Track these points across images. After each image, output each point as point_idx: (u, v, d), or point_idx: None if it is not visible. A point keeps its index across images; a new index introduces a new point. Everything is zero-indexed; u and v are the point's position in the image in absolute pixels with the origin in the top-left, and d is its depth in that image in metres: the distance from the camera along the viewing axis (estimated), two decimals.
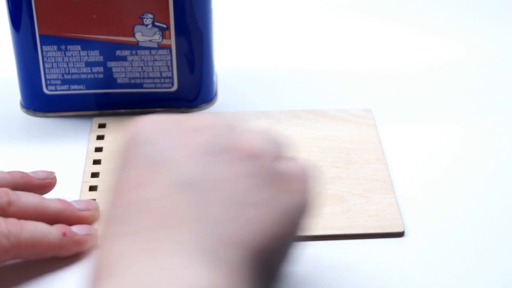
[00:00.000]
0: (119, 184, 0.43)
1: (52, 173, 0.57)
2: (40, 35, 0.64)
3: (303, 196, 0.44)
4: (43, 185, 0.56)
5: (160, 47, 0.64)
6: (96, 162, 0.61)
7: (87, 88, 0.66)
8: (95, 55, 0.64)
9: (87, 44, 0.64)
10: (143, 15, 0.63)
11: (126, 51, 0.64)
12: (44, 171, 0.57)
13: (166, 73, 0.65)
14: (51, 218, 0.53)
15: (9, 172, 0.55)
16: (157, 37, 0.64)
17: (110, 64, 0.65)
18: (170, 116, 0.45)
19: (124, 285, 0.38)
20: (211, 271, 0.39)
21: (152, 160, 0.43)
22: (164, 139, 0.43)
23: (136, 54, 0.64)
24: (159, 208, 0.41)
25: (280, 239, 0.43)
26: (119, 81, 0.66)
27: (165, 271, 0.38)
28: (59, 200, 0.55)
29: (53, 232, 0.52)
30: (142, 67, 0.65)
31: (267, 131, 0.46)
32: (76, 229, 0.53)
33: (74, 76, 0.65)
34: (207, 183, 0.42)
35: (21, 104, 0.68)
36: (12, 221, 0.50)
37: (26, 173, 0.56)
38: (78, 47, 0.64)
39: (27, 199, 0.53)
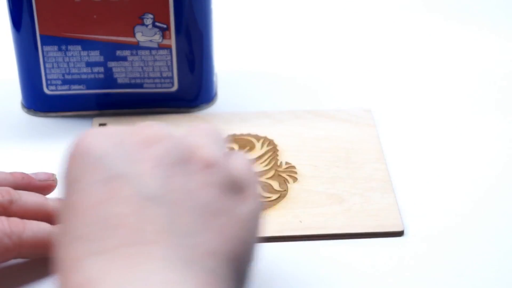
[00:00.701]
0: (78, 201, 0.42)
1: (53, 174, 0.57)
2: (40, 35, 0.64)
3: (258, 199, 0.45)
4: (44, 186, 0.56)
5: (161, 47, 0.64)
6: None
7: (87, 88, 0.66)
8: (95, 55, 0.65)
9: (87, 44, 0.64)
10: (143, 15, 0.63)
11: (126, 51, 0.65)
12: (45, 173, 0.57)
13: (166, 73, 0.66)
14: (53, 217, 0.53)
15: (10, 173, 0.55)
16: (157, 37, 0.64)
17: (111, 64, 0.65)
18: (116, 128, 0.44)
19: None
20: (193, 283, 0.38)
21: (112, 174, 0.41)
22: (120, 152, 0.42)
23: (137, 54, 0.65)
24: (130, 223, 0.40)
25: (247, 244, 0.43)
26: (119, 81, 0.66)
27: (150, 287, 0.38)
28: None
29: (56, 231, 0.52)
30: (142, 67, 0.65)
31: (208, 129, 0.45)
32: None
33: (75, 76, 0.65)
34: (172, 195, 0.41)
35: (21, 104, 0.68)
36: (15, 220, 0.51)
37: (27, 174, 0.56)
38: (79, 47, 0.64)
39: (29, 198, 0.53)
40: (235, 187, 0.43)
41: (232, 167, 0.44)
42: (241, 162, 0.45)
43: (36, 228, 0.51)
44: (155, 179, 0.41)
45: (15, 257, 0.51)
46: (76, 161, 0.43)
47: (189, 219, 0.41)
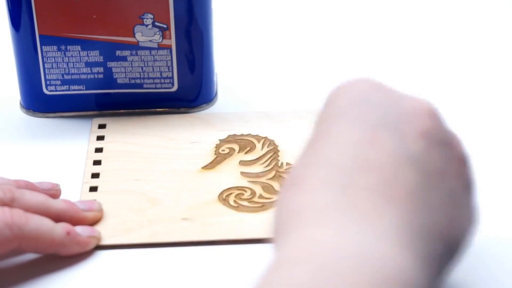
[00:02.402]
0: (339, 132, 0.43)
1: (57, 185, 0.57)
2: (40, 35, 0.63)
3: (477, 208, 0.46)
4: (48, 195, 0.56)
5: (160, 47, 0.64)
6: (96, 162, 0.61)
7: (87, 89, 0.66)
8: (95, 55, 0.64)
9: (87, 44, 0.64)
10: (143, 15, 0.63)
11: (126, 51, 0.64)
12: (50, 182, 0.57)
13: (166, 73, 0.65)
14: (54, 217, 0.53)
15: (14, 180, 0.55)
16: (157, 37, 0.64)
17: (110, 64, 0.65)
18: (392, 88, 0.46)
19: (330, 243, 0.38)
20: (417, 259, 0.39)
21: (381, 123, 0.43)
22: (389, 106, 0.44)
23: (136, 54, 0.64)
24: (385, 172, 0.41)
25: (465, 237, 0.44)
26: (119, 81, 0.66)
27: (374, 246, 0.38)
28: (63, 200, 0.55)
29: (57, 229, 0.52)
30: (142, 67, 0.65)
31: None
32: (80, 230, 0.53)
33: (74, 77, 0.65)
34: (430, 168, 0.42)
35: (21, 104, 0.68)
36: (18, 212, 0.51)
37: (31, 183, 0.56)
38: (78, 47, 0.64)
39: (31, 197, 0.53)
40: (470, 189, 0.45)
41: (473, 171, 0.46)
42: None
43: (39, 222, 0.51)
44: (419, 145, 0.42)
45: (15, 249, 0.51)
46: (346, 98, 0.44)
47: (434, 195, 0.42)
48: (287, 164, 0.61)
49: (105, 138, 0.64)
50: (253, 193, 0.58)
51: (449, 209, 0.42)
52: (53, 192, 0.56)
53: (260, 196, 0.58)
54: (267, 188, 0.58)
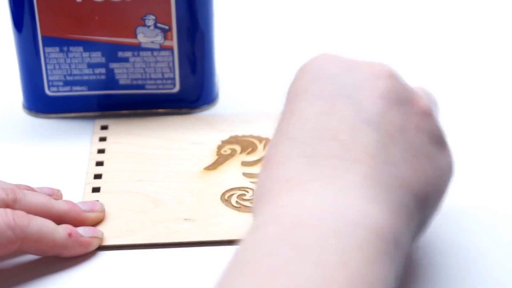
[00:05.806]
0: (301, 108, 0.46)
1: (58, 190, 0.57)
2: (42, 37, 0.64)
3: (452, 158, 0.48)
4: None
5: (162, 48, 0.64)
6: (99, 163, 0.61)
7: (89, 90, 0.66)
8: (97, 57, 0.65)
9: (89, 46, 0.64)
10: (145, 16, 0.63)
11: (128, 52, 0.64)
12: (50, 188, 0.57)
13: (168, 75, 0.65)
14: (56, 218, 0.53)
15: (15, 185, 0.55)
16: (159, 39, 0.64)
17: (112, 65, 0.65)
18: (350, 57, 0.48)
19: (296, 204, 0.41)
20: (381, 207, 0.41)
21: (338, 93, 0.45)
22: (351, 77, 0.46)
23: (138, 55, 0.65)
24: (343, 139, 0.43)
25: (438, 192, 0.46)
26: (121, 82, 0.66)
27: (336, 200, 0.41)
28: (65, 201, 0.55)
29: (59, 231, 0.52)
30: (144, 68, 0.65)
31: (424, 89, 0.49)
32: (82, 231, 0.53)
33: (76, 78, 0.65)
34: (387, 126, 0.44)
35: (23, 105, 0.68)
36: (20, 213, 0.51)
37: (32, 188, 0.56)
38: (80, 49, 0.64)
39: (33, 198, 0.53)
40: (439, 140, 0.47)
41: (439, 123, 0.48)
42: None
43: (41, 224, 0.51)
44: (376, 107, 0.45)
45: (17, 250, 0.51)
46: (307, 75, 0.47)
47: (396, 151, 0.44)
48: None
49: (108, 139, 0.64)
50: None
51: (413, 162, 0.44)
52: (54, 198, 0.56)
53: None
54: None
